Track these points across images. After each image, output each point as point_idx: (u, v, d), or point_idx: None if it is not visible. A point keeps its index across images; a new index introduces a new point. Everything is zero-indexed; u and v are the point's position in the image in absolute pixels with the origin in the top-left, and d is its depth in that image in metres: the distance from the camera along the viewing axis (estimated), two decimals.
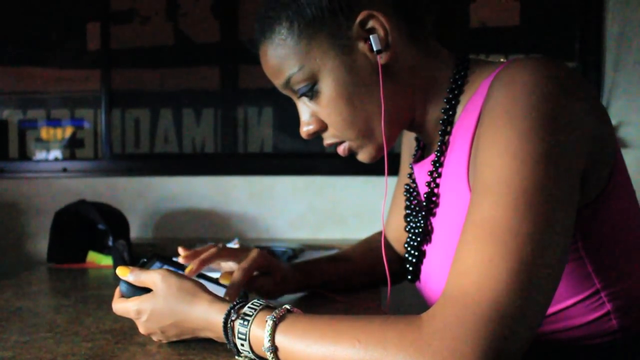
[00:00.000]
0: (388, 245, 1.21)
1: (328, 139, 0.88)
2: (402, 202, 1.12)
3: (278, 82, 0.86)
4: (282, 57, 0.83)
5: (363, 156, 0.89)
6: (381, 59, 0.81)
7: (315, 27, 0.80)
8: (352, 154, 0.89)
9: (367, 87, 0.82)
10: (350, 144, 0.87)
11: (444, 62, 0.86)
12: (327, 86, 0.82)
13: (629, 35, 2.21)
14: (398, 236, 1.18)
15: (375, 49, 0.80)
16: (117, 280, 0.85)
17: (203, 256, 0.99)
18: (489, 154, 0.66)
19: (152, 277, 0.80)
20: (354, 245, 1.25)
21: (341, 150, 0.89)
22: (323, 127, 0.87)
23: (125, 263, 1.53)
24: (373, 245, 1.23)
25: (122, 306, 0.82)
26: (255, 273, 1.03)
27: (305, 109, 0.87)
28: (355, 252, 1.22)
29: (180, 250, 1.01)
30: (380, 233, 1.30)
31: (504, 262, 0.59)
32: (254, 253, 1.02)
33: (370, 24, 0.80)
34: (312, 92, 0.84)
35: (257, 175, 2.36)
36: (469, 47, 0.80)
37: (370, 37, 0.80)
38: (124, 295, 0.84)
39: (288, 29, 0.81)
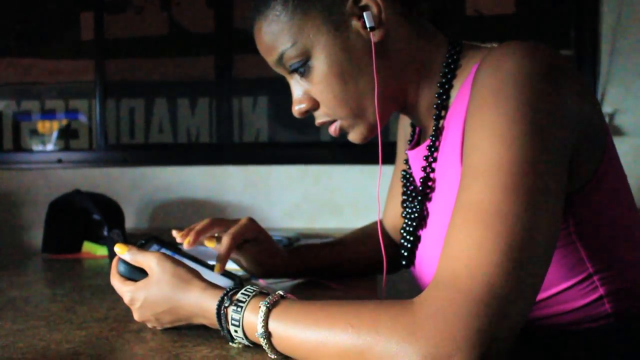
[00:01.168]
0: (385, 233, 1.21)
1: (320, 118, 0.88)
2: (399, 190, 1.12)
3: (271, 59, 0.86)
4: (275, 33, 0.82)
5: (354, 136, 0.89)
6: (374, 37, 0.80)
7: (309, 3, 0.80)
8: (343, 134, 0.89)
9: (359, 64, 0.82)
10: (342, 122, 0.87)
11: (439, 46, 0.86)
12: (319, 62, 0.82)
13: (624, 23, 2.21)
14: (396, 224, 1.18)
15: (368, 25, 0.80)
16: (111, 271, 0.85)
17: (198, 227, 1.01)
18: (476, 137, 0.66)
19: (148, 260, 0.80)
20: (350, 232, 1.25)
21: (332, 129, 0.88)
22: (315, 106, 0.87)
23: None
24: (369, 232, 1.23)
25: (117, 287, 0.83)
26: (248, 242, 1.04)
27: (297, 87, 0.87)
28: (350, 238, 1.22)
29: (175, 232, 1.02)
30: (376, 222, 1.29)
31: (494, 244, 0.59)
32: (244, 220, 1.04)
33: (364, 1, 0.80)
34: (304, 69, 0.83)
35: (252, 164, 2.35)
36: (464, 35, 0.80)
37: (364, 13, 0.80)
38: (121, 275, 0.84)
39: (282, 5, 0.81)
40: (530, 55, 0.67)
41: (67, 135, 2.51)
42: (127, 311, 0.87)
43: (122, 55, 2.47)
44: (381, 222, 1.24)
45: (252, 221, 1.05)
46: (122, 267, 0.83)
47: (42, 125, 2.51)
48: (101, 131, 2.44)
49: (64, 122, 2.50)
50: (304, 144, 2.41)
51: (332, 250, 1.17)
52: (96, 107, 2.44)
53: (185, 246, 0.99)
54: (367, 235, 1.22)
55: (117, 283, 0.83)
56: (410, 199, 0.93)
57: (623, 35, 2.21)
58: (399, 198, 1.11)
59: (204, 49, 2.46)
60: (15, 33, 2.48)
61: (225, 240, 0.99)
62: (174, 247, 0.98)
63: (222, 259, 0.98)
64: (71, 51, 2.48)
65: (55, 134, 2.50)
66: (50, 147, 2.50)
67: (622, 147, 0.82)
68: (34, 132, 2.51)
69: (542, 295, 0.76)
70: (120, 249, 0.83)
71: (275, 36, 0.82)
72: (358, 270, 1.19)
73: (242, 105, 2.45)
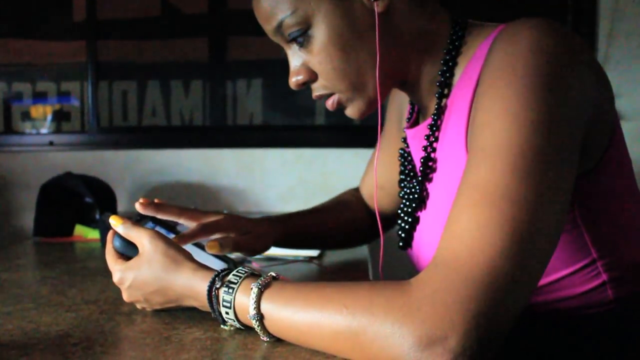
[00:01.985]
0: (362, 202, 1.21)
1: (317, 91, 0.85)
2: (384, 160, 1.10)
3: (269, 27, 0.82)
4: None
5: (352, 110, 0.86)
6: (378, 7, 0.78)
7: None
8: (340, 108, 0.86)
9: (361, 35, 0.79)
10: (340, 96, 0.84)
11: (443, 23, 0.84)
12: (320, 32, 0.79)
13: (622, 6, 2.19)
14: (371, 192, 1.19)
15: None
16: (104, 254, 0.85)
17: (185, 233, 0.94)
18: (488, 115, 0.64)
19: (141, 236, 0.79)
20: (325, 202, 1.23)
21: (330, 103, 0.86)
22: (313, 77, 0.84)
23: None
24: (345, 201, 1.22)
25: (109, 264, 0.83)
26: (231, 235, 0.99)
27: (295, 57, 0.84)
28: (328, 207, 1.20)
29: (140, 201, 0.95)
30: (352, 190, 1.28)
31: (498, 226, 0.58)
32: (219, 216, 0.99)
33: None
34: (304, 38, 0.80)
35: (246, 147, 2.34)
36: (461, 15, 0.79)
37: None
38: (116, 249, 0.83)
39: None
40: (545, 33, 0.65)
41: (59, 117, 2.48)
42: (118, 294, 0.86)
43: (114, 36, 2.44)
44: (356, 188, 1.24)
45: (227, 218, 0.99)
46: (117, 242, 0.83)
47: (34, 109, 2.48)
48: (93, 113, 2.42)
49: (56, 105, 2.47)
50: (299, 127, 2.39)
51: (313, 218, 1.15)
52: (88, 89, 2.42)
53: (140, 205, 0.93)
54: (343, 204, 1.21)
55: (110, 259, 0.83)
56: (408, 179, 0.92)
57: (621, 19, 2.19)
58: (382, 168, 1.09)
59: (198, 31, 2.43)
60: (6, 14, 2.44)
61: (194, 228, 0.93)
62: (169, 226, 0.97)
63: (181, 242, 0.91)
64: (63, 32, 2.45)
65: (48, 118, 2.47)
66: (42, 130, 2.47)
67: None
68: (26, 115, 2.48)
69: (544, 281, 0.75)
70: (115, 221, 0.83)
71: (275, 3, 0.79)
72: (338, 240, 1.17)
73: (236, 88, 2.43)
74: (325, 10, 0.78)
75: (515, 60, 0.64)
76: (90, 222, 1.69)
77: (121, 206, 2.11)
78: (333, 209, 1.19)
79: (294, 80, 0.85)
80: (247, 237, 0.99)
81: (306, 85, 0.86)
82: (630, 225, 0.78)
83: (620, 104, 2.18)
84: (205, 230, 0.95)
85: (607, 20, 2.21)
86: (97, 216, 1.71)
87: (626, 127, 0.85)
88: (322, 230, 1.15)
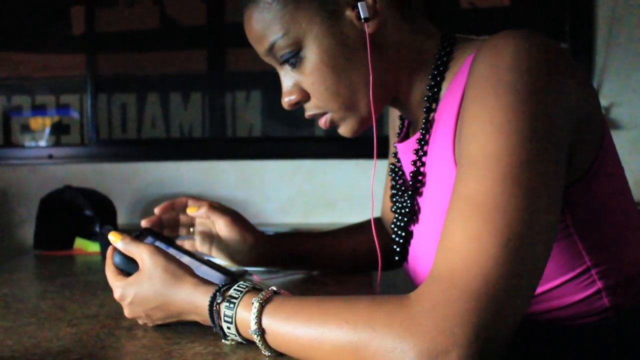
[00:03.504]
0: (384, 228, 1.19)
1: (310, 110, 0.86)
2: None
3: (261, 49, 0.83)
4: (267, 21, 0.80)
5: (344, 129, 0.87)
6: (368, 28, 0.79)
7: None
8: (333, 126, 0.87)
9: (352, 56, 0.80)
10: (333, 115, 0.85)
11: (431, 39, 0.85)
12: (311, 53, 0.80)
13: (619, 15, 2.20)
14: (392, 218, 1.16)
15: (362, 16, 0.78)
16: (104, 267, 0.84)
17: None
18: (474, 128, 0.64)
19: (141, 252, 0.79)
20: (345, 226, 1.23)
21: (323, 122, 0.86)
22: (305, 97, 0.85)
23: None
24: (367, 227, 1.21)
25: (110, 280, 0.83)
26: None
27: (287, 78, 0.85)
28: (345, 231, 1.20)
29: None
30: (378, 218, 1.28)
31: (492, 238, 0.58)
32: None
33: None
34: (296, 60, 0.81)
35: (245, 159, 2.34)
36: (458, 28, 0.79)
37: (358, 4, 0.78)
38: (116, 266, 0.83)
39: None
40: (528, 44, 0.65)
41: (58, 130, 2.48)
42: (119, 308, 0.85)
43: (113, 49, 2.45)
44: (379, 217, 1.23)
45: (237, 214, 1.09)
46: (117, 258, 0.83)
47: (35, 122, 2.48)
48: (93, 126, 2.42)
49: (55, 118, 2.48)
50: (298, 139, 2.40)
51: (324, 240, 1.15)
52: (87, 102, 2.42)
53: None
54: (364, 229, 1.20)
55: (110, 276, 0.83)
56: (400, 193, 0.92)
57: (619, 28, 2.20)
58: None
59: (197, 43, 2.44)
60: (5, 28, 2.45)
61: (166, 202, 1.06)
62: (169, 240, 0.97)
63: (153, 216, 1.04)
64: (62, 46, 2.46)
65: (47, 130, 2.47)
66: (41, 142, 2.48)
67: (619, 140, 0.81)
68: (25, 128, 2.48)
69: (539, 290, 0.75)
70: (114, 237, 0.83)
71: (267, 25, 0.80)
72: (355, 264, 1.17)
73: (235, 100, 2.43)
74: (316, 32, 0.79)
75: (498, 72, 0.64)
76: (90, 235, 1.69)
77: (121, 219, 2.10)
78: (353, 234, 1.18)
79: (287, 100, 0.86)
80: (239, 243, 1.04)
81: (299, 105, 0.86)
82: (624, 232, 0.78)
83: (619, 113, 2.19)
84: (212, 206, 1.06)
85: (605, 29, 2.22)
86: (97, 229, 1.71)
87: (625, 136, 0.85)
88: (330, 252, 1.15)
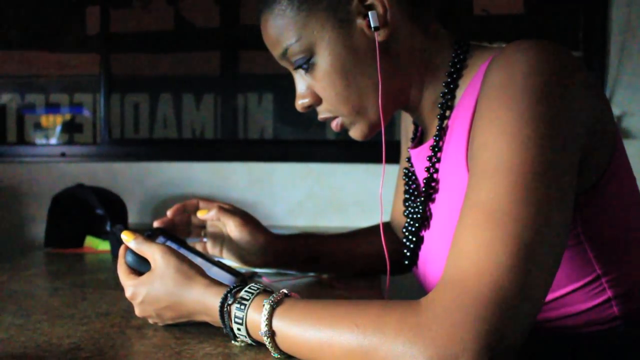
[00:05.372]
0: (393, 233, 1.20)
1: (322, 113, 0.89)
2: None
3: (276, 53, 0.86)
4: (280, 27, 0.82)
5: (355, 133, 0.89)
6: (379, 36, 0.80)
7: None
8: (344, 129, 0.89)
9: (362, 63, 0.82)
10: (344, 119, 0.87)
11: (445, 46, 0.85)
12: (323, 59, 0.82)
13: (634, 24, 2.19)
14: (403, 223, 1.16)
15: (372, 25, 0.79)
16: (114, 265, 0.85)
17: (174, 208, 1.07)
18: (487, 136, 0.65)
19: (153, 251, 0.80)
20: (359, 229, 1.23)
21: (334, 125, 0.88)
22: (318, 101, 0.87)
23: None
24: (376, 229, 1.21)
25: (122, 279, 0.83)
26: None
27: (301, 81, 0.87)
28: (358, 234, 1.20)
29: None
30: (387, 223, 1.28)
31: (503, 245, 0.58)
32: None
33: (370, 0, 0.79)
34: (308, 65, 0.83)
35: (256, 161, 2.35)
36: (472, 34, 0.79)
37: (369, 13, 0.79)
38: (128, 265, 0.83)
39: (288, 0, 0.80)
40: (542, 53, 0.66)
41: (71, 129, 2.50)
42: (129, 307, 0.86)
43: (127, 49, 2.47)
44: (388, 222, 1.23)
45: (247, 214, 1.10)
46: (129, 257, 0.84)
47: (46, 119, 2.50)
48: (105, 125, 2.44)
49: (68, 116, 2.49)
50: (309, 142, 2.40)
51: (339, 242, 1.16)
52: (101, 101, 2.44)
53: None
54: (376, 233, 1.20)
55: (122, 274, 0.83)
56: (412, 198, 0.92)
57: (632, 37, 2.19)
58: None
59: (210, 45, 2.45)
60: (20, 26, 2.47)
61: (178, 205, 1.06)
62: (181, 240, 0.98)
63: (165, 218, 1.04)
64: (77, 45, 2.47)
65: (58, 128, 2.49)
66: (53, 141, 2.49)
67: (631, 149, 0.81)
68: (38, 126, 2.50)
69: (549, 297, 0.75)
70: (127, 236, 0.83)
71: (281, 30, 0.82)
72: (367, 268, 1.17)
73: (248, 102, 2.44)
74: (328, 39, 0.80)
75: (511, 81, 0.65)
76: (101, 234, 1.70)
77: (132, 218, 2.11)
78: (366, 237, 1.18)
79: (300, 103, 0.88)
80: (250, 245, 1.05)
81: (311, 108, 0.89)
82: (635, 241, 0.78)
83: (631, 123, 2.18)
84: (222, 208, 1.07)
85: (619, 38, 2.21)
86: (108, 228, 1.72)
87: (637, 145, 0.85)
88: (346, 254, 1.16)
